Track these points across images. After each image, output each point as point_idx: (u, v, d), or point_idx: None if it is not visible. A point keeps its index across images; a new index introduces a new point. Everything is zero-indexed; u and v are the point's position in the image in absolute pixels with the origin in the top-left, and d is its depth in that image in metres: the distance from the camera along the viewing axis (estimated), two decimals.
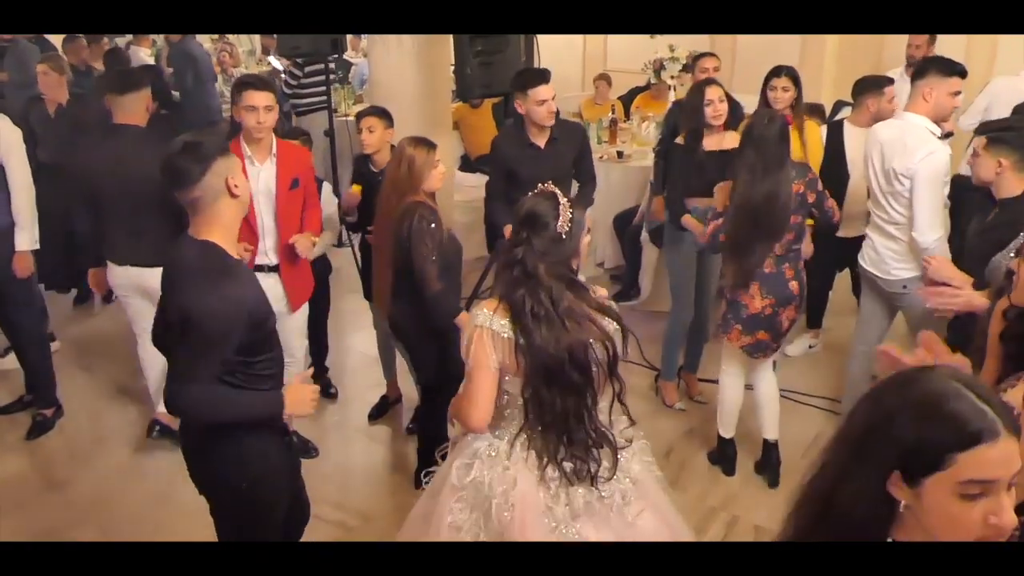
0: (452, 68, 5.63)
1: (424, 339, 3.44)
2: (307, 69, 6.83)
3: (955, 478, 1.14)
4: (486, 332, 2.16)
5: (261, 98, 3.24)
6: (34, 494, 3.68)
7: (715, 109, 3.89)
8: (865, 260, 3.70)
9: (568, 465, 2.18)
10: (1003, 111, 4.93)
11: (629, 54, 8.50)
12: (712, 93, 3.89)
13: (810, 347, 4.89)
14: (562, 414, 2.16)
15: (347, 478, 3.84)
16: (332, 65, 6.64)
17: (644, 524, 2.25)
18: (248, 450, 2.26)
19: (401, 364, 4.15)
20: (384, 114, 3.99)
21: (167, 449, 3.87)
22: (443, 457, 2.47)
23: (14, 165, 3.83)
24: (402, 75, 5.16)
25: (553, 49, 5.37)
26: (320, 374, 4.36)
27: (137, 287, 3.69)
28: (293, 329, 3.65)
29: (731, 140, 4.04)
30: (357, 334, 5.01)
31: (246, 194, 2.25)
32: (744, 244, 3.40)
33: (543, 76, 3.79)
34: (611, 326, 2.21)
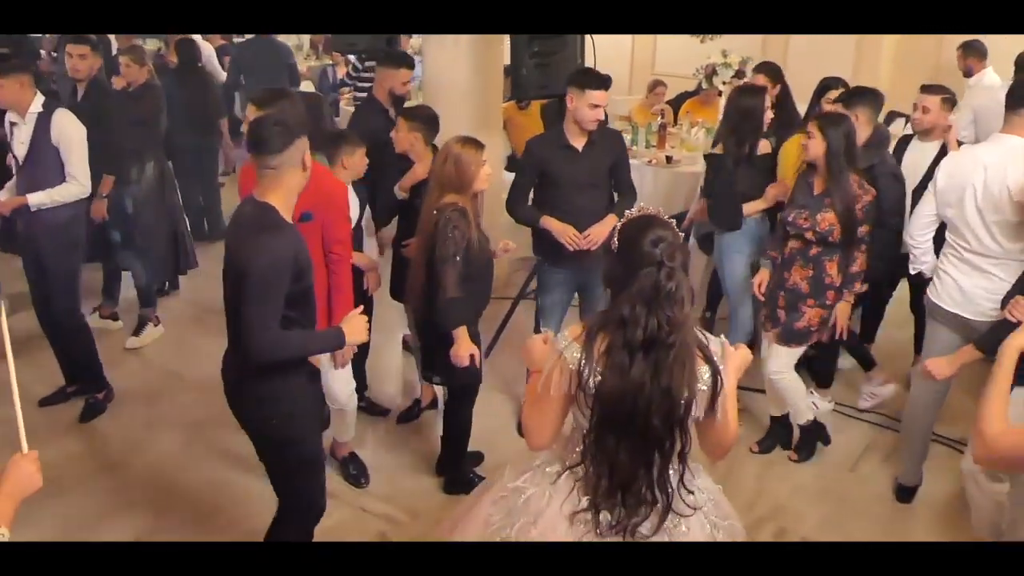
0: (504, 68, 5.68)
1: (447, 341, 3.40)
2: (366, 64, 6.95)
3: None
4: (559, 361, 2.02)
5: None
6: (89, 476, 3.76)
7: (768, 115, 4.00)
8: (943, 299, 3.37)
9: (605, 516, 2.03)
10: (988, 121, 4.88)
11: (677, 58, 8.47)
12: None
13: None
14: (628, 467, 1.99)
15: (394, 473, 3.88)
16: None
17: None
18: (279, 389, 2.53)
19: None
20: (408, 115, 3.86)
21: (221, 435, 3.95)
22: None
23: (75, 161, 3.97)
24: (455, 73, 5.20)
25: (601, 52, 5.36)
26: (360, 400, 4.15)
27: None
28: (337, 377, 3.48)
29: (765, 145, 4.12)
30: (401, 332, 5.04)
31: (310, 168, 2.53)
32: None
33: (604, 82, 3.70)
34: (704, 376, 2.01)
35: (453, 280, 3.25)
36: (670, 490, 2.02)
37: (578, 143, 3.78)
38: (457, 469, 3.72)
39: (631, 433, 1.96)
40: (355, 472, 3.77)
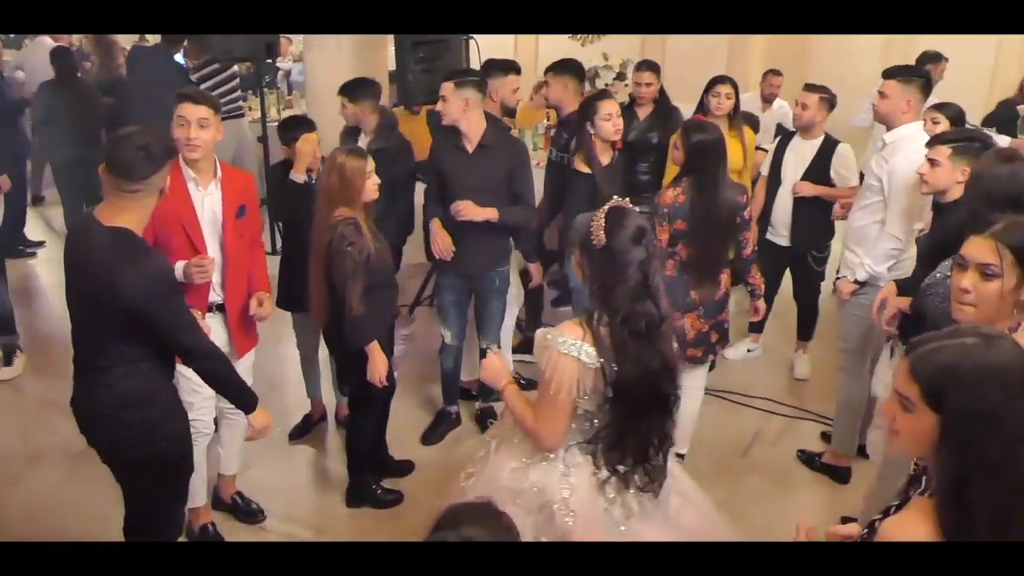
0: (389, 74, 5.64)
1: (353, 353, 3.36)
2: (200, 74, 6.35)
3: None
4: (573, 362, 2.15)
5: (195, 111, 2.91)
6: None
7: (615, 124, 3.90)
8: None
9: (639, 478, 2.24)
10: None
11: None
12: (610, 107, 3.90)
13: (748, 351, 5.01)
14: (646, 436, 2.22)
15: (294, 491, 3.78)
16: (236, 69, 6.44)
17: (686, 521, 2.35)
18: (162, 412, 2.57)
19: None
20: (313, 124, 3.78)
21: (104, 469, 3.72)
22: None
23: None
24: (339, 79, 5.10)
25: (484, 56, 5.40)
26: None
27: None
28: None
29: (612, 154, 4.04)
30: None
31: (167, 192, 2.51)
32: (714, 259, 3.51)
33: (450, 74, 3.73)
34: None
35: (357, 297, 3.18)
36: (670, 443, 2.31)
37: (470, 145, 3.75)
38: (359, 481, 3.65)
39: (651, 408, 2.20)
40: (248, 509, 3.55)
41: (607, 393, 2.16)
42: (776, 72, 6.56)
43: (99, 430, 2.58)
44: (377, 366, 3.30)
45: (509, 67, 4.40)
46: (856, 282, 3.51)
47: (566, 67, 4.63)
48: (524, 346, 4.55)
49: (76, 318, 2.51)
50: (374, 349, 3.29)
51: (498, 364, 2.43)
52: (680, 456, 3.80)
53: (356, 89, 4.31)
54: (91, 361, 2.50)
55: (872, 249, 3.46)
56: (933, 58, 5.98)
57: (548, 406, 2.21)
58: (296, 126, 3.76)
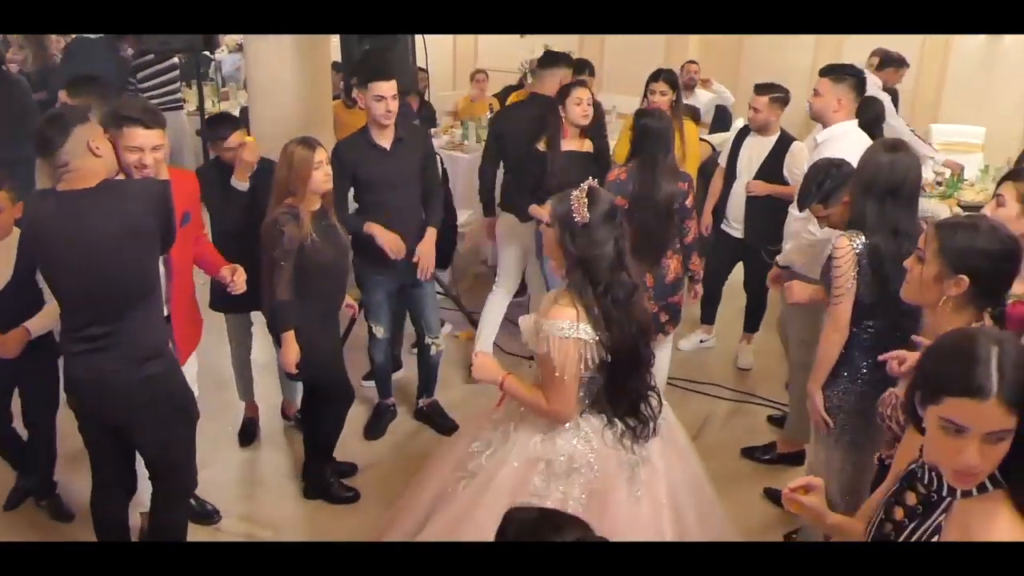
0: (332, 64, 5.57)
1: (309, 344, 3.30)
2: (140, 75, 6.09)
3: (938, 413, 1.41)
4: (575, 343, 2.32)
5: (149, 138, 2.70)
6: None
7: (584, 110, 4.02)
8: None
9: (635, 426, 2.46)
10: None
11: (499, 53, 8.64)
12: (583, 94, 4.03)
13: (701, 342, 5.10)
14: (633, 392, 2.45)
15: (247, 490, 3.73)
16: (176, 60, 6.26)
17: (671, 466, 2.60)
18: (171, 361, 2.76)
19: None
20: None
21: (65, 467, 3.58)
22: None
23: None
24: (281, 72, 5.02)
25: (429, 47, 5.39)
26: None
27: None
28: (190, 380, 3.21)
29: (588, 144, 4.17)
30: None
31: (110, 154, 2.55)
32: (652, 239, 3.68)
33: (382, 72, 3.64)
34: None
35: (283, 283, 3.18)
36: (656, 391, 2.54)
37: (385, 142, 3.70)
38: (318, 475, 3.62)
39: (635, 368, 2.43)
40: (203, 511, 3.44)
41: (607, 359, 2.36)
42: (692, 61, 6.71)
43: (118, 393, 2.61)
44: (289, 355, 3.25)
45: (571, 61, 4.68)
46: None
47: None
48: None
49: (75, 294, 2.54)
50: (287, 338, 3.25)
51: (489, 362, 2.56)
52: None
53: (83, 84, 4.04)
54: (100, 330, 2.53)
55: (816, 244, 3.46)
56: (896, 61, 6.00)
57: (558, 387, 2.36)
58: (219, 125, 3.66)
